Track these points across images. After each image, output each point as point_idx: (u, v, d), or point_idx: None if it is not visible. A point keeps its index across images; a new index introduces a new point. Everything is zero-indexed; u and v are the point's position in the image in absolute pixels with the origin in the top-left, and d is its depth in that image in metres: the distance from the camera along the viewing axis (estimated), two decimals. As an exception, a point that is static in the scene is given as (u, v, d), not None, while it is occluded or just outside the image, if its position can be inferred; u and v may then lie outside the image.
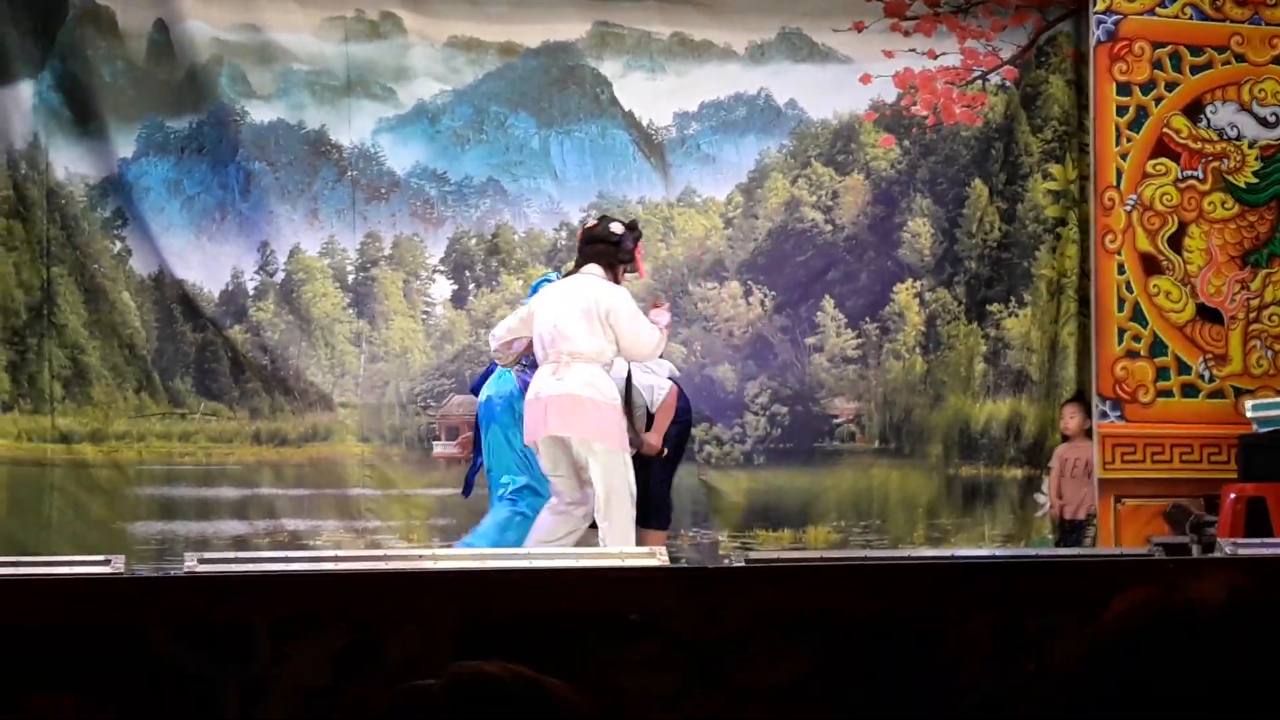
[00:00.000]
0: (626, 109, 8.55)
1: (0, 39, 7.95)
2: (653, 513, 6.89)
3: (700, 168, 8.61)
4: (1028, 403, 8.66)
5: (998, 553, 6.79)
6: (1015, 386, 8.67)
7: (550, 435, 6.34)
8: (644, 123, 8.58)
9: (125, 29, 8.08)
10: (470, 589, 3.80)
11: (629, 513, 6.33)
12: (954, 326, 8.66)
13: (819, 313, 8.61)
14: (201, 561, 3.81)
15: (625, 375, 6.77)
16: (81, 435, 8.01)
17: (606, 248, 6.53)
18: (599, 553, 5.08)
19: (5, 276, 7.97)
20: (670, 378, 7.13)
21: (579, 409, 6.29)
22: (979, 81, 8.72)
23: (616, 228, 6.58)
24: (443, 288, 8.37)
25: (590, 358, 6.34)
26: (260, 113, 8.21)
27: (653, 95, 8.55)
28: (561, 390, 6.30)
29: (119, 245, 8.13)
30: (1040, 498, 8.53)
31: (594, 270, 6.51)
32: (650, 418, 6.93)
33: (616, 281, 6.53)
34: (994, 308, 8.70)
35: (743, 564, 3.99)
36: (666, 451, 7.00)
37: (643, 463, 6.77)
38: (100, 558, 3.85)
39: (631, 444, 6.60)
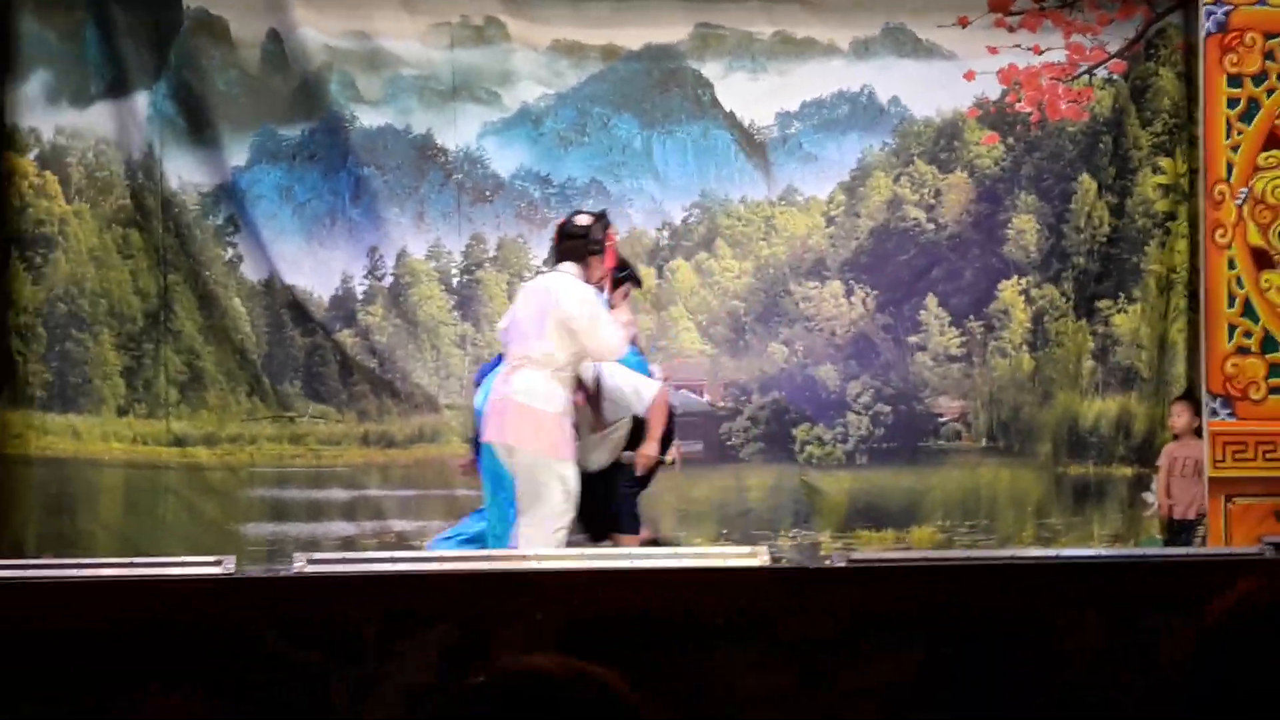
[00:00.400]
0: (728, 109, 8.55)
1: (116, 51, 8.12)
2: (623, 519, 6.60)
3: (802, 166, 8.58)
4: (1137, 400, 8.53)
5: (1104, 552, 6.70)
6: (1124, 384, 8.54)
7: (494, 441, 6.23)
8: (745, 123, 8.57)
9: (239, 38, 8.22)
10: (573, 589, 3.84)
11: (549, 520, 6.11)
12: (1062, 323, 8.55)
13: (922, 311, 8.54)
14: (310, 562, 3.88)
15: (594, 376, 6.51)
16: (195, 439, 8.16)
17: (575, 242, 6.35)
18: (701, 553, 5.10)
19: (122, 284, 8.15)
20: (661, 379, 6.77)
21: (512, 414, 6.18)
22: (1085, 76, 8.60)
23: (582, 219, 6.43)
24: (546, 289, 8.42)
25: (539, 363, 6.19)
26: (369, 118, 8.33)
27: (754, 95, 8.54)
28: (504, 394, 6.21)
29: (230, 252, 8.28)
30: (1149, 497, 8.40)
31: (566, 268, 6.35)
32: (637, 424, 6.57)
33: (589, 277, 6.32)
34: (1103, 304, 8.58)
35: (844, 564, 3.98)
36: (675, 461, 6.69)
37: (614, 469, 6.51)
38: (212, 558, 3.93)
39: (587, 458, 6.35)
